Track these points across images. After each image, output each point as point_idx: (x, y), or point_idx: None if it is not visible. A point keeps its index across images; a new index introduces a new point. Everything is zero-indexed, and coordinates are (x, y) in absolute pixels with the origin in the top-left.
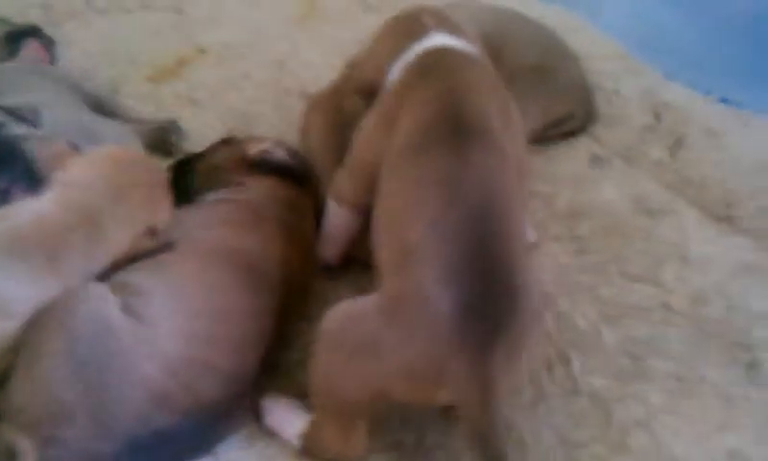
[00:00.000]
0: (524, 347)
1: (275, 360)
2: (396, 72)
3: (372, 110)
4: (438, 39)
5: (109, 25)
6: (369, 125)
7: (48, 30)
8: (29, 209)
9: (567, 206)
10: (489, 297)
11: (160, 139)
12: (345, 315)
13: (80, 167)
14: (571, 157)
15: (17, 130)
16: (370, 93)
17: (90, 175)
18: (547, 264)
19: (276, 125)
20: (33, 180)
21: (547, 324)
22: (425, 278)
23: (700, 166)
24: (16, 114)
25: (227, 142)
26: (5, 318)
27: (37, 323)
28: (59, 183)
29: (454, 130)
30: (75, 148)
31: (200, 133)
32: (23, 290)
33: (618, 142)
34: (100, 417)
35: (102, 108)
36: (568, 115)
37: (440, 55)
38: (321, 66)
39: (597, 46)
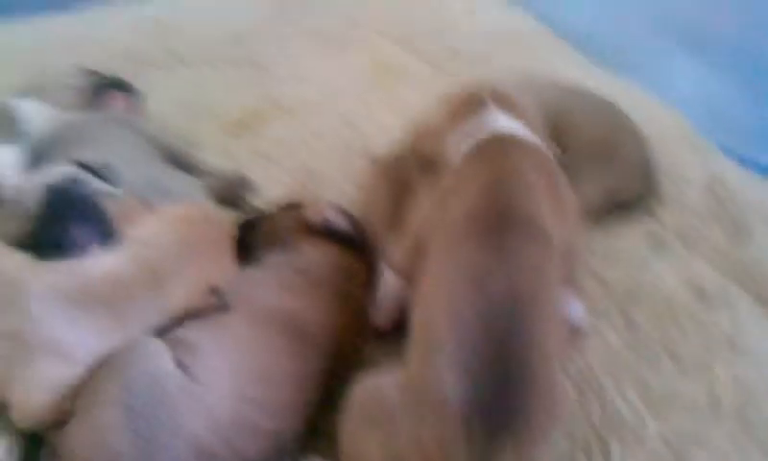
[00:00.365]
0: (536, 447)
1: (319, 422)
2: (453, 151)
3: (428, 186)
4: (496, 122)
5: (191, 76)
6: (425, 201)
7: (131, 78)
8: (100, 264)
9: (622, 286)
10: (501, 396)
11: (231, 194)
12: (370, 387)
13: (150, 225)
14: (629, 236)
15: (96, 186)
16: (428, 166)
17: (159, 233)
18: (596, 345)
19: (341, 184)
20: (106, 235)
21: (590, 406)
22: (443, 366)
23: (760, 255)
24: (96, 171)
25: (291, 206)
26: (68, 364)
27: (98, 372)
28: (129, 240)
29: (496, 223)
30: (147, 206)
31: (269, 189)
32: (87, 339)
33: (678, 224)
34: None
35: (177, 160)
36: (629, 193)
37: (495, 139)
38: (390, 128)
39: (662, 123)
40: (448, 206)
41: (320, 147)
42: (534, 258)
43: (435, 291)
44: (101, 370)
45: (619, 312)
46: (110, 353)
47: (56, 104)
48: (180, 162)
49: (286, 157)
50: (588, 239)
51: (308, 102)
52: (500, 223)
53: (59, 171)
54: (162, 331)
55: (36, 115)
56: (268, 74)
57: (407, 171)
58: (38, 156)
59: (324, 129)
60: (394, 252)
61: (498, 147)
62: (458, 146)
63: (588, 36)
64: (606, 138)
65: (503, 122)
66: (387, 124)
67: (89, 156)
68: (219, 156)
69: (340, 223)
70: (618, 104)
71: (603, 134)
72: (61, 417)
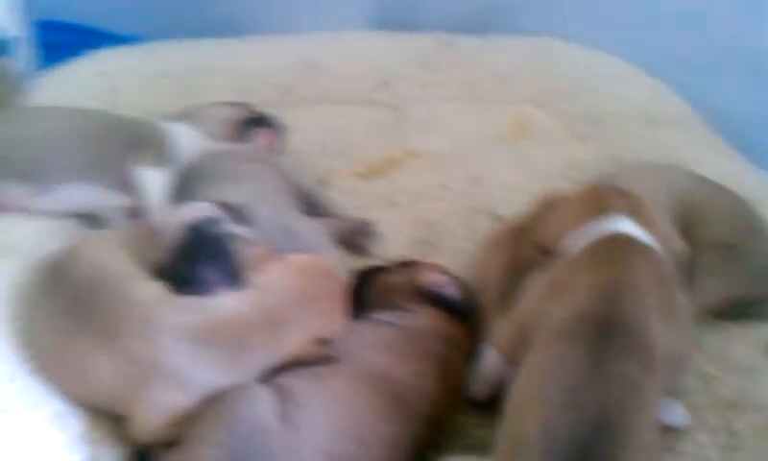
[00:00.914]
0: None
1: None
2: (571, 244)
3: (543, 274)
4: (618, 224)
5: (335, 115)
6: (536, 289)
7: (276, 110)
8: (225, 304)
9: (729, 394)
10: None
11: (353, 238)
12: None
13: (274, 272)
14: (744, 342)
15: (231, 228)
16: (546, 252)
17: (281, 281)
18: (692, 453)
19: (461, 242)
20: (234, 277)
21: None
22: None
23: None
24: (233, 211)
25: (406, 264)
26: (184, 394)
27: (207, 408)
28: (254, 284)
29: (599, 331)
30: (273, 253)
31: (390, 238)
32: (204, 374)
33: None
34: None
35: (308, 199)
36: (752, 297)
37: (614, 242)
38: (516, 189)
39: None
40: (557, 301)
41: (445, 201)
42: (633, 377)
43: (528, 388)
44: (210, 407)
45: (720, 418)
46: (222, 391)
47: (205, 132)
48: (312, 202)
49: (411, 206)
50: (698, 335)
51: (440, 154)
52: (604, 333)
53: (199, 208)
54: (268, 375)
55: (187, 142)
56: (407, 121)
57: (526, 248)
58: (184, 181)
59: (451, 183)
60: (499, 329)
61: (614, 251)
62: (576, 242)
63: (733, 121)
64: (735, 241)
65: (623, 225)
66: (513, 185)
67: (230, 193)
68: (347, 196)
69: (450, 291)
70: (754, 200)
71: (733, 237)
72: (170, 439)
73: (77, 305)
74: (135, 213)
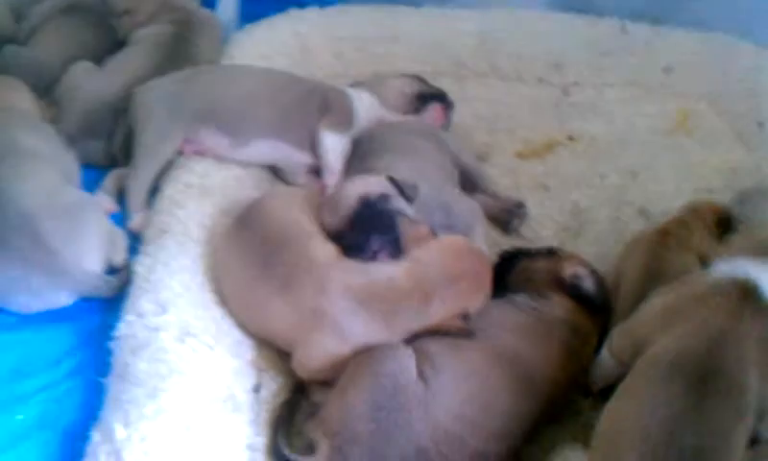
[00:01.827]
0: None
1: (520, 452)
2: (698, 273)
3: (665, 292)
4: (738, 269)
5: (504, 92)
6: (654, 308)
7: (453, 84)
8: (386, 271)
9: None
10: None
11: (504, 218)
12: None
13: (430, 250)
14: None
15: (398, 204)
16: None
17: (436, 259)
18: None
19: (605, 233)
20: (396, 249)
21: None
22: None
23: None
24: (402, 188)
25: (549, 252)
26: (341, 342)
27: (359, 359)
28: (412, 258)
29: (703, 373)
30: (432, 233)
31: (538, 221)
32: (361, 329)
33: None
34: (376, 451)
35: (468, 175)
36: None
37: (732, 287)
38: (669, 188)
39: None
40: (669, 329)
41: (597, 190)
42: (728, 422)
43: (628, 419)
44: (362, 358)
45: None
46: (373, 347)
47: (383, 101)
48: (471, 178)
49: (562, 191)
50: None
51: (600, 141)
52: (707, 377)
53: (373, 183)
54: (412, 339)
55: (367, 109)
56: (572, 104)
57: (666, 254)
58: (361, 147)
59: (606, 172)
60: (615, 335)
61: (732, 293)
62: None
63: None
64: None
65: (749, 272)
66: (668, 182)
67: (399, 165)
68: (504, 174)
69: (587, 284)
70: None
71: None
72: (324, 379)
73: (263, 254)
74: (315, 170)
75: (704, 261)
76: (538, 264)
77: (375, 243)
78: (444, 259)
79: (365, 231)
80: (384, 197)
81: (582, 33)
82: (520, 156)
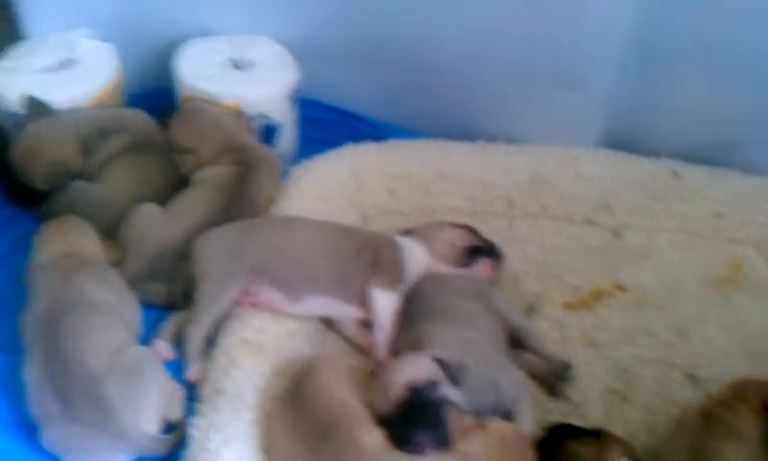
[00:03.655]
0: None
1: None
2: None
3: None
4: None
5: (553, 232)
6: None
7: (503, 224)
8: None
9: None
10: None
11: (551, 381)
12: None
13: (475, 442)
14: None
15: (446, 392)
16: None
17: (482, 454)
18: None
19: (652, 398)
20: (443, 444)
21: None
22: None
23: None
24: (449, 371)
25: (597, 435)
26: None
27: None
28: (458, 453)
29: None
30: (480, 425)
31: (585, 382)
32: None
33: None
34: None
35: (517, 334)
36: None
37: None
38: (720, 350)
39: None
40: None
41: (645, 348)
42: None
43: None
44: None
45: None
46: None
47: (432, 251)
48: (519, 338)
49: (610, 348)
50: None
51: (650, 292)
52: None
53: (420, 365)
54: None
55: (418, 261)
56: (622, 248)
57: (708, 439)
58: (410, 306)
59: (655, 328)
60: None
61: None
62: None
63: None
64: None
65: None
66: (718, 344)
67: (449, 337)
68: (552, 327)
69: None
70: None
71: None
72: None
73: (312, 439)
74: (366, 323)
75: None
76: (583, 449)
77: (422, 437)
78: (493, 454)
79: (411, 424)
80: (432, 384)
81: (633, 174)
82: (569, 306)
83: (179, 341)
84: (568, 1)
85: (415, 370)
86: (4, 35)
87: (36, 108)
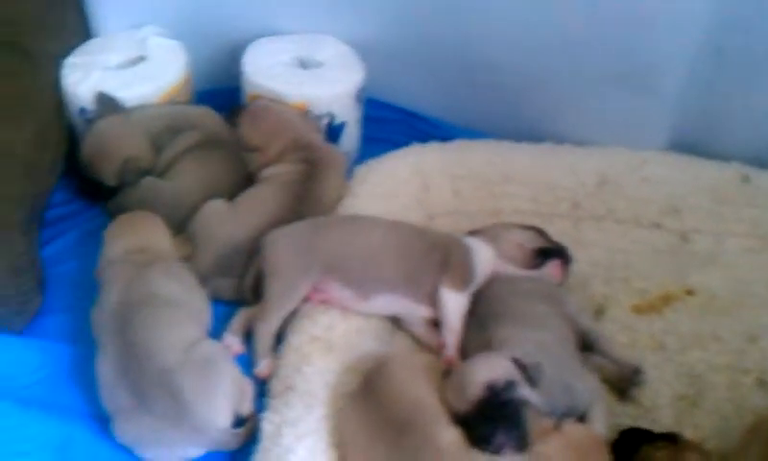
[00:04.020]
0: None
1: None
2: None
3: None
4: None
5: (620, 236)
6: None
7: (569, 226)
8: None
9: None
10: None
11: (621, 386)
12: None
13: (552, 445)
14: None
15: (524, 392)
16: None
17: (560, 456)
18: None
19: (723, 404)
20: (522, 444)
21: None
22: None
23: None
24: (526, 371)
25: (670, 439)
26: None
27: None
28: (536, 454)
29: None
30: (556, 426)
31: (654, 387)
32: None
33: None
34: None
35: (586, 338)
36: None
37: None
38: None
39: None
40: None
41: (715, 353)
42: None
43: None
44: None
45: None
46: None
47: (500, 253)
48: (589, 341)
49: (679, 353)
50: None
51: (719, 296)
52: None
53: (498, 365)
54: None
55: (486, 263)
56: (690, 252)
57: None
58: (479, 307)
59: (725, 334)
60: None
61: None
62: None
63: None
64: None
65: None
66: None
67: (522, 339)
68: (620, 331)
69: None
70: None
71: None
72: None
73: (389, 434)
74: (433, 322)
75: None
76: (659, 453)
77: (501, 437)
78: (569, 457)
79: (491, 424)
80: (510, 384)
81: (701, 178)
82: (637, 310)
83: (247, 336)
84: (640, 2)
85: (493, 370)
86: (76, 32)
87: (108, 104)
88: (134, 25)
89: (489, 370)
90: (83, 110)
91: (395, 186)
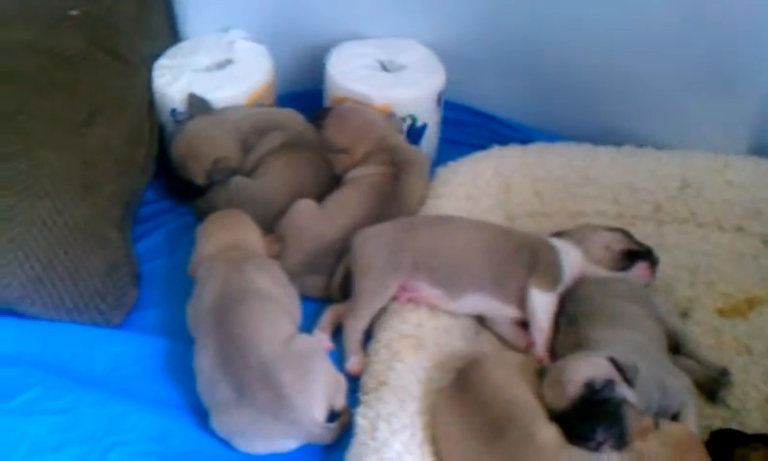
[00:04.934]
0: None
1: None
2: None
3: None
4: None
5: (702, 239)
6: None
7: (651, 229)
8: None
9: None
10: None
11: (710, 386)
12: None
13: (653, 444)
14: None
15: (623, 391)
16: None
17: (659, 454)
18: None
19: None
20: (621, 441)
21: None
22: None
23: None
24: (623, 371)
25: (764, 439)
26: None
27: None
28: (635, 452)
29: None
30: (655, 424)
31: (741, 390)
32: None
33: None
34: None
35: (675, 338)
36: None
37: None
38: None
39: None
40: None
41: None
42: None
43: None
44: None
45: None
46: None
47: (586, 254)
48: (677, 342)
49: (765, 355)
50: None
51: None
52: None
53: (596, 364)
54: None
55: (574, 264)
56: None
57: None
58: (566, 303)
59: None
60: None
61: None
62: None
63: None
64: None
65: None
66: None
67: (616, 340)
68: (705, 334)
69: None
70: None
71: None
72: None
73: (488, 430)
74: (521, 322)
75: None
76: (754, 455)
77: (601, 434)
78: (668, 455)
79: (591, 421)
80: (609, 383)
81: None
82: (722, 313)
83: (336, 332)
84: (728, 7)
85: (592, 368)
86: (165, 35)
87: (198, 105)
88: (220, 28)
89: (587, 368)
90: (174, 111)
91: (476, 188)
